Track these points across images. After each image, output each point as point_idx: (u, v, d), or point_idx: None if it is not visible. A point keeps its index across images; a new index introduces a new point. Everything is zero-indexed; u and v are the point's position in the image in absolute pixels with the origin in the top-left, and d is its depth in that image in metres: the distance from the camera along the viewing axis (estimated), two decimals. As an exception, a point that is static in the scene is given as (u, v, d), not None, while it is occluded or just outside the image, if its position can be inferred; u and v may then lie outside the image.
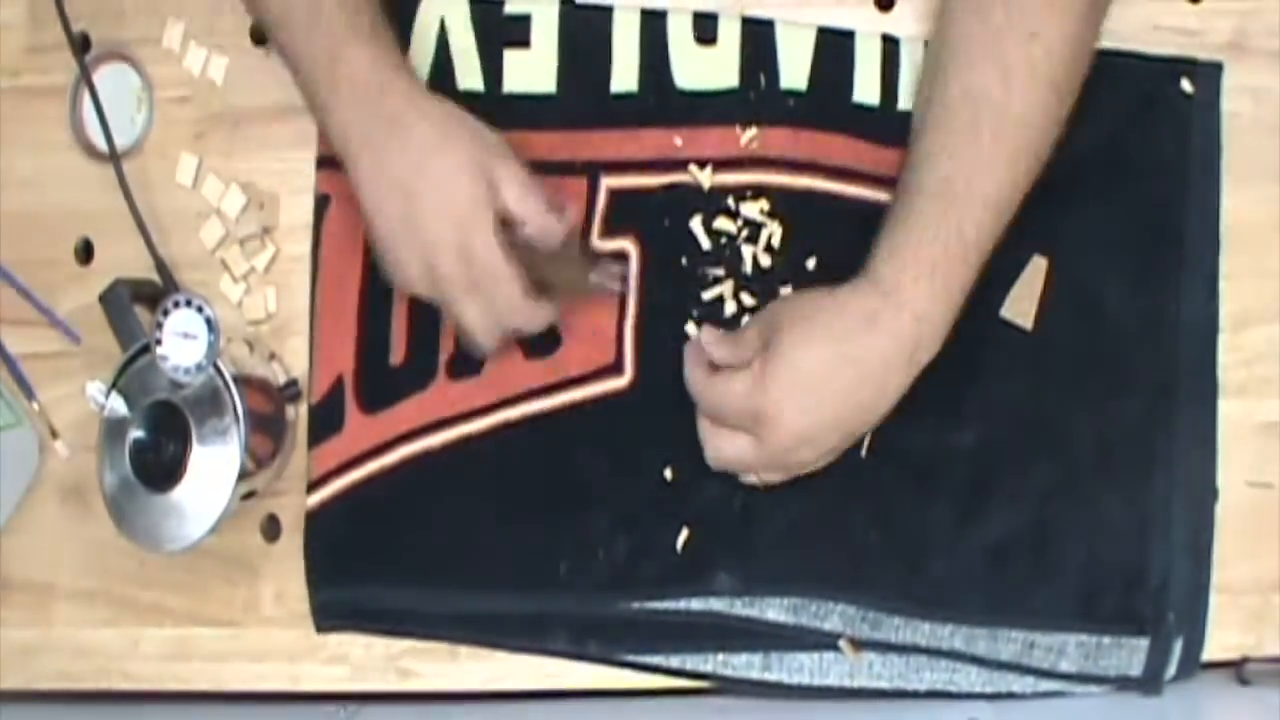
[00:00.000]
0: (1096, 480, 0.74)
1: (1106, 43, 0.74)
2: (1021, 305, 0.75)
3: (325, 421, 0.78)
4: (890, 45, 0.76)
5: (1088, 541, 0.74)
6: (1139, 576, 0.73)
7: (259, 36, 0.81)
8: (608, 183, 0.77)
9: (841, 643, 0.75)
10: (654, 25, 0.77)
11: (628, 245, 0.77)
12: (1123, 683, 0.74)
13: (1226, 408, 0.74)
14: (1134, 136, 0.75)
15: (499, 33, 0.78)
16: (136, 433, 0.74)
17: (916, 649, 0.75)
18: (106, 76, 0.82)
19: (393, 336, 0.78)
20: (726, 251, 0.76)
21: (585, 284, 0.75)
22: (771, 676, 0.75)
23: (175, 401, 0.73)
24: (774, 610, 0.75)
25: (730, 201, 0.76)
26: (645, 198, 0.77)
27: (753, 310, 0.75)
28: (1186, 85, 0.75)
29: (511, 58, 0.78)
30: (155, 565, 0.80)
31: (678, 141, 0.77)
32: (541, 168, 0.73)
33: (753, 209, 0.76)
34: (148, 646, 0.81)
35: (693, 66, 0.77)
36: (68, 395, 0.82)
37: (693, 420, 0.73)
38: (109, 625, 0.81)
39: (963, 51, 0.69)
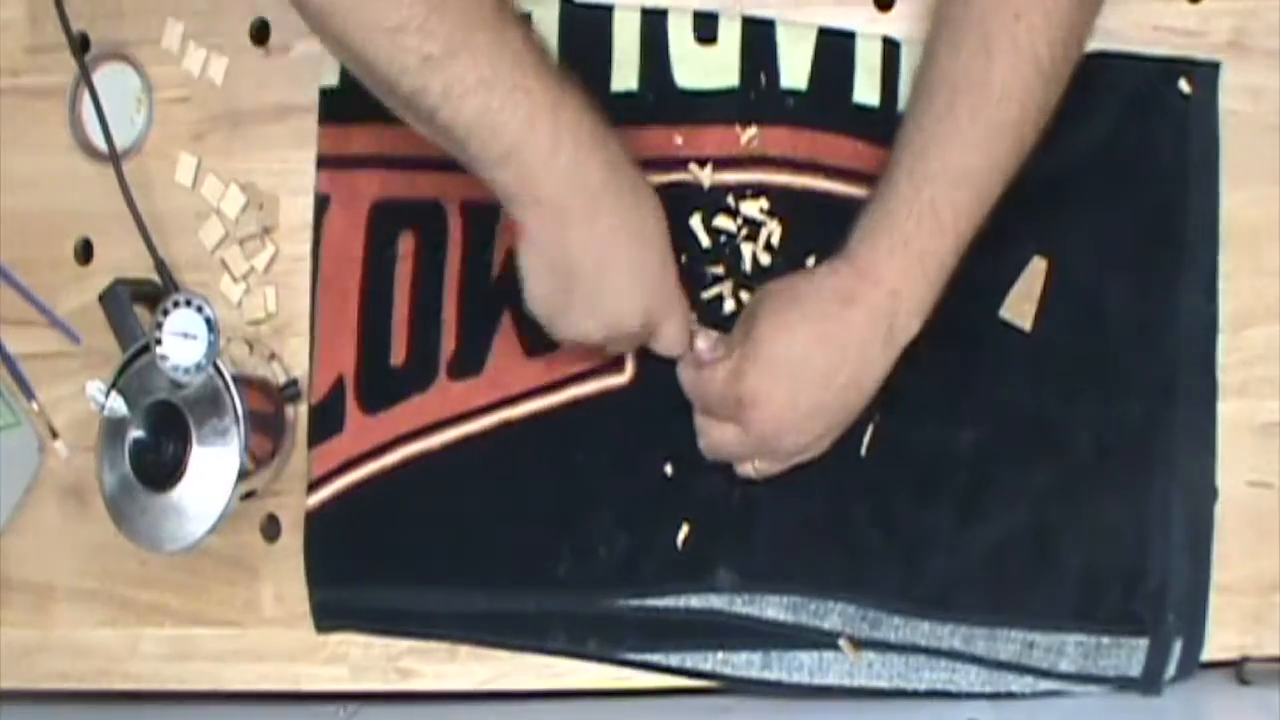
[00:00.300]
0: (1096, 480, 0.74)
1: (1105, 43, 0.74)
2: (1021, 306, 0.75)
3: (325, 422, 0.79)
4: (890, 47, 0.76)
5: (1087, 541, 0.73)
6: (1138, 576, 0.73)
7: (259, 36, 0.81)
8: (608, 182, 0.77)
9: (841, 642, 0.75)
10: (654, 24, 0.77)
11: (628, 244, 0.77)
12: (1122, 683, 0.74)
13: (1226, 408, 0.74)
14: (1133, 137, 0.75)
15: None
16: (136, 433, 0.74)
17: (916, 648, 0.75)
18: (106, 77, 0.82)
19: (393, 337, 0.78)
20: (726, 250, 0.76)
21: None
22: (771, 675, 0.75)
23: (175, 401, 0.73)
24: (773, 609, 0.75)
25: (730, 200, 0.76)
26: None
27: (752, 309, 0.76)
28: (1184, 85, 0.75)
29: (512, 57, 0.78)
30: (155, 565, 0.80)
31: (678, 140, 0.77)
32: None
33: (752, 208, 0.76)
34: (148, 647, 0.81)
35: (693, 66, 0.77)
36: (67, 395, 0.82)
37: (692, 417, 0.73)
38: (109, 625, 0.81)
39: (948, 35, 0.68)
